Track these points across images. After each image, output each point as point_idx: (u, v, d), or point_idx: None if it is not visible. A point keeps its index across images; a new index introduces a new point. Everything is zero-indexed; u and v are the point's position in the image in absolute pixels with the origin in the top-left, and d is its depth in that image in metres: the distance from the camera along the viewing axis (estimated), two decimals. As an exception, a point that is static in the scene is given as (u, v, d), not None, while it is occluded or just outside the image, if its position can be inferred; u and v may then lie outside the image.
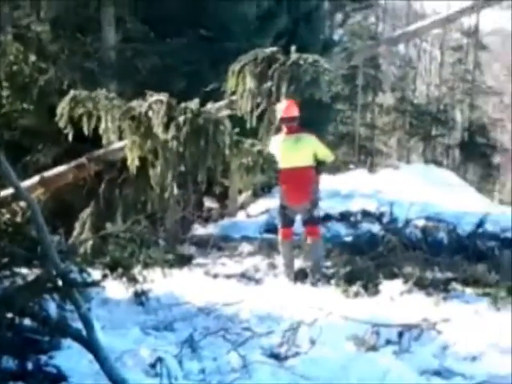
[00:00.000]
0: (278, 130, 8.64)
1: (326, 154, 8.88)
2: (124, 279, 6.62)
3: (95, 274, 6.32)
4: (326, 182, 21.19)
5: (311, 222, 8.75)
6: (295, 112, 8.57)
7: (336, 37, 29.51)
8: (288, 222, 8.77)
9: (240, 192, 17.75)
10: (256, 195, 18.75)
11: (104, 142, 7.72)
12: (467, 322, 6.36)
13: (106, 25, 11.26)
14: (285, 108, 8.41)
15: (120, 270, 6.55)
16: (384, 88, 36.51)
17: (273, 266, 9.40)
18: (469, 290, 7.96)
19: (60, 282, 4.46)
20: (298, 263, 9.03)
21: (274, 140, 8.56)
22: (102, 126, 7.49)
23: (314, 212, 8.75)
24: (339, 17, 32.29)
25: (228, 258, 10.23)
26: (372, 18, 37.02)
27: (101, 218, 7.75)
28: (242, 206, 17.87)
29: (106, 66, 10.94)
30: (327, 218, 14.81)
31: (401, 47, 36.31)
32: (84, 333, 4.45)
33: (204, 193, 14.96)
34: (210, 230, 14.62)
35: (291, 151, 8.56)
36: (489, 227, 13.28)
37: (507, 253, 10.29)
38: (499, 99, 43.34)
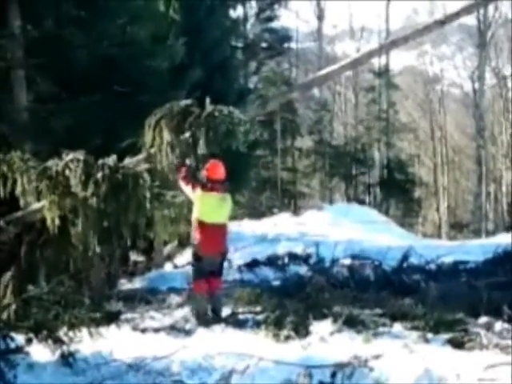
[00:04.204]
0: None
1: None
2: (49, 342, 6.46)
3: (19, 338, 6.18)
4: (252, 228, 21.43)
5: (218, 274, 9.21)
6: (223, 174, 9.11)
7: (251, 84, 29.94)
8: (203, 274, 9.06)
9: (166, 243, 17.65)
10: (182, 245, 18.66)
11: (22, 204, 7.58)
12: (398, 356, 6.42)
13: (17, 86, 11.14)
14: (213, 170, 9.02)
15: (45, 333, 6.39)
16: (302, 132, 37.02)
17: (202, 316, 9.34)
18: (397, 325, 8.06)
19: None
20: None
21: (199, 193, 8.92)
22: (19, 188, 7.34)
23: (223, 265, 9.37)
24: (253, 65, 32.73)
25: (156, 310, 10.12)
26: (285, 63, 37.64)
27: (23, 281, 7.56)
28: (169, 257, 17.78)
29: (19, 128, 10.81)
30: (255, 263, 14.87)
31: (315, 91, 36.95)
32: (10, 401, 4.33)
33: (129, 247, 14.82)
34: (137, 283, 14.48)
35: (217, 209, 9.07)
36: (413, 261, 13.55)
37: (433, 285, 10.47)
38: (414, 135, 44.48)
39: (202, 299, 8.99)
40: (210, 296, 9.10)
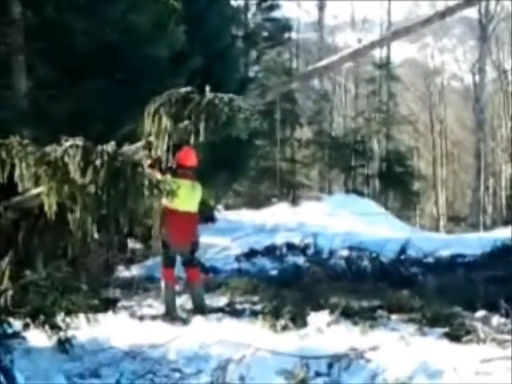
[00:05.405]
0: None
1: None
2: (46, 327, 6.46)
3: (16, 323, 6.17)
4: (251, 218, 21.44)
5: (191, 264, 9.15)
6: (195, 161, 9.00)
7: (251, 73, 29.87)
8: (171, 263, 9.04)
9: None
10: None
11: (20, 189, 7.55)
12: (395, 348, 6.40)
13: (17, 72, 11.10)
14: (186, 156, 8.85)
15: (42, 319, 6.39)
16: (302, 122, 36.99)
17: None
18: (394, 317, 8.06)
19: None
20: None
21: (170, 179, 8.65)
22: (17, 173, 7.31)
23: (195, 253, 9.24)
24: (254, 54, 32.66)
25: (153, 298, 10.13)
26: (286, 54, 37.56)
27: (21, 267, 7.55)
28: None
29: (19, 113, 10.77)
30: (253, 253, 14.88)
31: (316, 81, 36.90)
32: (6, 386, 4.33)
33: (127, 234, 14.80)
34: (135, 271, 14.48)
35: (188, 197, 8.89)
36: (411, 253, 13.57)
37: (430, 277, 10.48)
38: (414, 128, 44.43)
39: (170, 288, 8.95)
40: (190, 288, 9.18)
